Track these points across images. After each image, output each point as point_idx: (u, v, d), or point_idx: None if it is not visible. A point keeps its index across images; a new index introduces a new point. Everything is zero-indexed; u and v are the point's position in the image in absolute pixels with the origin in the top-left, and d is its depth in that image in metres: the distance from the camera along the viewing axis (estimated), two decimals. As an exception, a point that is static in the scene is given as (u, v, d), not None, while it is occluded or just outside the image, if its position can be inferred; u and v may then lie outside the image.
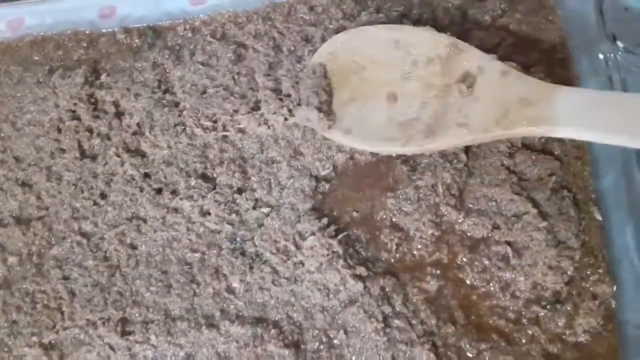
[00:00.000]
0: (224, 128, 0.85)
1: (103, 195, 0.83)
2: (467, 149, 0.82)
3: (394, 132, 0.74)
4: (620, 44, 0.85)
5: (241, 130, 0.84)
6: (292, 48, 0.89)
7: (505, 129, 0.69)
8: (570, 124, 0.65)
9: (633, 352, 0.77)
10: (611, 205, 0.81)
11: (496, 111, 0.69)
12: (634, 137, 0.62)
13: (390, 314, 0.76)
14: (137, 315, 0.77)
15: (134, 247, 0.80)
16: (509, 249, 0.78)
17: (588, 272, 0.77)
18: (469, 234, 0.80)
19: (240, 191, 0.82)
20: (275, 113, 0.84)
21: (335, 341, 0.75)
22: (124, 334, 0.76)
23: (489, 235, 0.79)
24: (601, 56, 0.85)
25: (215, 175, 0.83)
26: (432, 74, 0.75)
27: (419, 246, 0.79)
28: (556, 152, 0.83)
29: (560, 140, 0.83)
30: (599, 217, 0.80)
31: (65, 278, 0.79)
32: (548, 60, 0.87)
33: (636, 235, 0.80)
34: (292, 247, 0.79)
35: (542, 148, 0.83)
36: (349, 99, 0.78)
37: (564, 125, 0.66)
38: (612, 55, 0.85)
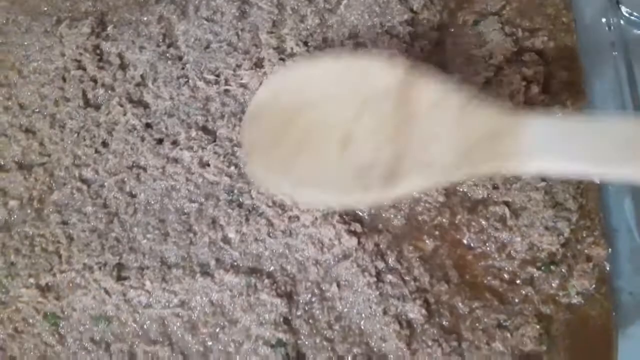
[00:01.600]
0: (226, 82, 0.83)
1: (105, 144, 0.82)
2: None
3: (350, 182, 0.66)
4: (624, 9, 0.83)
5: (243, 85, 0.83)
6: (296, 7, 0.88)
7: (473, 167, 0.62)
8: (538, 157, 0.59)
9: (626, 319, 0.75)
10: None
11: (460, 148, 0.62)
12: (597, 163, 0.57)
13: (383, 269, 0.74)
14: (133, 261, 0.76)
15: (133, 195, 0.79)
16: (506, 209, 0.76)
17: (584, 234, 0.76)
18: (469, 195, 0.78)
19: (240, 145, 0.80)
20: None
21: (328, 294, 0.74)
22: (120, 278, 0.75)
23: (488, 195, 0.78)
24: (604, 20, 0.84)
25: (215, 128, 0.81)
26: (386, 110, 0.67)
27: (423, 210, 0.78)
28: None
29: (562, 104, 0.82)
30: (597, 180, 0.78)
31: (64, 223, 0.78)
32: (552, 24, 0.85)
33: (634, 205, 0.78)
34: (287, 201, 0.78)
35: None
36: (297, 144, 0.69)
37: (533, 159, 0.59)
38: (615, 20, 0.83)
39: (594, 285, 0.74)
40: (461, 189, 0.78)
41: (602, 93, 0.83)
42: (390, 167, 0.64)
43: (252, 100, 0.74)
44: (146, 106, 0.84)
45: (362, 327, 0.73)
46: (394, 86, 0.67)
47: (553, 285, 0.74)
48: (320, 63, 0.71)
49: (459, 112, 0.63)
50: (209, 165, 0.79)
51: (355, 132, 0.67)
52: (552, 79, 0.82)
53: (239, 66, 0.84)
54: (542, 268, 0.75)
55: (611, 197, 0.79)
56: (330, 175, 0.67)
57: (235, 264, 0.76)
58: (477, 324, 0.73)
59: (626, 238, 0.78)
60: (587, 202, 0.77)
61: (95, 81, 0.85)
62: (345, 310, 0.74)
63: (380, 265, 0.74)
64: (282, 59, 0.83)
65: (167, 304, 0.74)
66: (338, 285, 0.74)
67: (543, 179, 0.76)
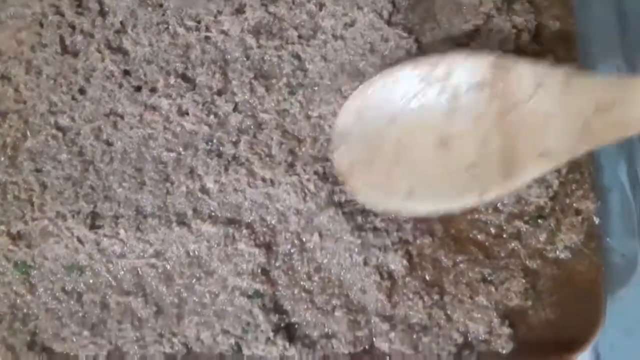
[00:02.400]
0: (207, 29, 0.79)
1: (82, 91, 0.78)
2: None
3: (464, 182, 0.63)
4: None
5: (224, 32, 0.79)
6: (278, -50, 0.84)
7: (591, 143, 0.59)
8: None
9: (618, 280, 0.73)
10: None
11: (574, 127, 0.58)
12: None
13: (366, 218, 0.72)
14: (107, 209, 0.72)
15: (109, 143, 0.75)
16: (496, 161, 0.73)
17: (573, 187, 0.73)
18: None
19: (219, 93, 0.77)
20: (259, 19, 0.79)
21: (308, 244, 0.71)
22: (93, 227, 0.72)
23: None
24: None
25: (195, 75, 0.77)
26: (481, 102, 0.63)
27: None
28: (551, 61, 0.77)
29: (554, 54, 0.78)
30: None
31: (38, 170, 0.75)
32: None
33: (627, 167, 0.76)
34: (270, 152, 0.74)
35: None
36: (394, 156, 0.66)
37: None
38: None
39: (582, 239, 0.72)
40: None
41: (594, 43, 0.79)
42: (503, 160, 0.62)
43: (336, 124, 0.71)
44: (125, 53, 0.79)
45: (342, 279, 0.70)
46: (485, 78, 0.63)
47: (540, 239, 0.71)
48: (397, 72, 0.68)
49: (565, 89, 0.60)
50: (187, 113, 0.76)
51: (450, 131, 0.64)
52: (544, 29, 0.78)
53: (220, 12, 0.79)
54: (530, 222, 0.72)
55: (604, 156, 0.76)
56: (441, 180, 0.64)
57: (213, 214, 0.73)
58: (460, 278, 0.70)
59: (618, 198, 0.76)
60: (577, 155, 0.74)
61: (73, 27, 0.81)
62: (325, 261, 0.71)
63: (364, 214, 0.72)
64: (264, 4, 0.79)
65: (141, 254, 0.71)
66: (320, 235, 0.71)
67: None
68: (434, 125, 0.65)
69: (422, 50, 0.77)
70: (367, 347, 0.69)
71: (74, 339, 0.70)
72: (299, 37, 0.79)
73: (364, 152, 0.68)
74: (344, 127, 0.70)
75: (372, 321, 0.69)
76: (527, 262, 0.71)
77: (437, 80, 0.65)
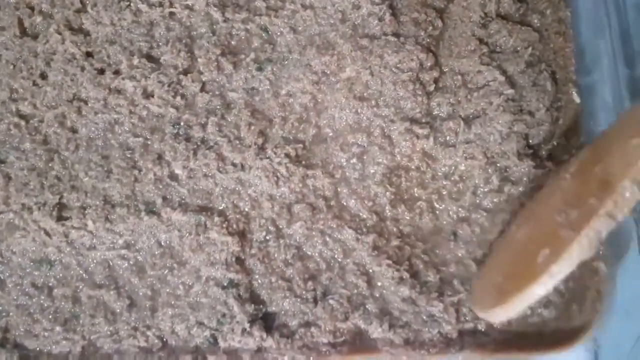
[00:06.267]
0: (171, 4, 0.72)
1: (43, 76, 0.72)
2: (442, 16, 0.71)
3: None
4: None
5: (189, 7, 0.72)
6: None
7: None
8: None
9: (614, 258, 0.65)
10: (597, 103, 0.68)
11: None
12: None
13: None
14: (74, 200, 0.67)
15: (74, 130, 0.70)
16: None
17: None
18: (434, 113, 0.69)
19: (186, 72, 0.70)
20: (225, -12, 0.72)
21: (286, 230, 0.66)
22: (60, 219, 0.66)
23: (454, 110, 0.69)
24: None
25: (159, 54, 0.71)
26: None
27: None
28: (536, 25, 0.71)
29: (540, 13, 0.71)
30: (578, 100, 0.68)
31: (1, 162, 0.69)
32: None
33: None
34: (240, 134, 0.68)
35: (520, 20, 0.71)
36: None
37: None
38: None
39: None
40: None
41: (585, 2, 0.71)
42: None
43: None
44: (86, 34, 0.73)
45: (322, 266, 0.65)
46: None
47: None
48: None
49: None
50: (153, 95, 0.70)
51: None
52: (530, -14, 0.71)
53: (183, -15, 0.73)
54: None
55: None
56: None
57: (184, 201, 0.67)
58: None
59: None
60: (565, 121, 0.68)
61: (31, 8, 0.75)
62: (304, 247, 0.66)
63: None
64: (227, -24, 0.72)
65: (111, 245, 0.66)
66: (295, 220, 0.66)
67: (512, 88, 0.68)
68: None
69: (395, 16, 0.70)
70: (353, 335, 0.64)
71: (47, 335, 0.65)
72: (267, 7, 0.72)
73: None
74: None
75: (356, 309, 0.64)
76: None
77: None
